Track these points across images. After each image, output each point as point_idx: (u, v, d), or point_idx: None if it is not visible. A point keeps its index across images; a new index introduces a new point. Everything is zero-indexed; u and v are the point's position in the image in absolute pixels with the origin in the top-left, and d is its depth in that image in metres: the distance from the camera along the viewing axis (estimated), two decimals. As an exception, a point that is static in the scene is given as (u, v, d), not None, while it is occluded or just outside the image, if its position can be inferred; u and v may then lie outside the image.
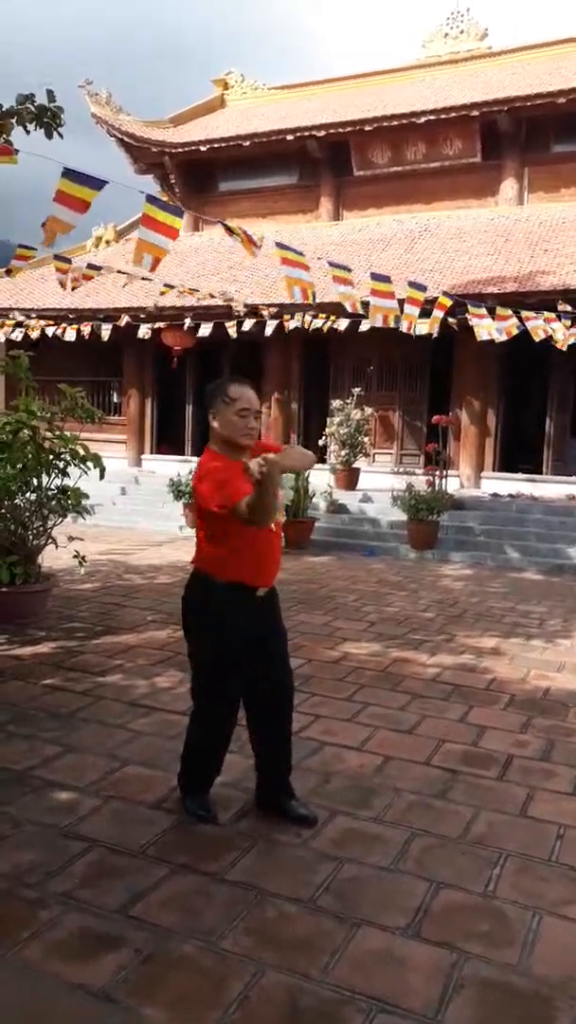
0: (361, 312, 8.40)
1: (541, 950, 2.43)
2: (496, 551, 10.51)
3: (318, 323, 12.06)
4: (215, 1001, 2.15)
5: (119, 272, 10.81)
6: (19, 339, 13.44)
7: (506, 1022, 2.13)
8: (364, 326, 11.70)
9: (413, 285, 8.47)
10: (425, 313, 9.65)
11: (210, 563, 2.99)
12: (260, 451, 3.10)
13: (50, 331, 13.95)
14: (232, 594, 2.95)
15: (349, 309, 7.77)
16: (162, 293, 11.12)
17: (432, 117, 14.22)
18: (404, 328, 8.68)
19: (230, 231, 6.25)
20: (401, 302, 8.60)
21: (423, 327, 10.55)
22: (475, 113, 13.97)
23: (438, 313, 8.99)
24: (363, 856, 2.91)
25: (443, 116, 14.18)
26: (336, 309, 12.46)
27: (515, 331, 9.59)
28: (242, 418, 2.92)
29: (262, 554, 2.97)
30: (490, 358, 13.08)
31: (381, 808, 3.30)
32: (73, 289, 9.88)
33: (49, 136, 5.11)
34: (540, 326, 9.58)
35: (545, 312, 9.84)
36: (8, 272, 7.94)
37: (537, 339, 9.89)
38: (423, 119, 14.28)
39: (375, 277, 7.91)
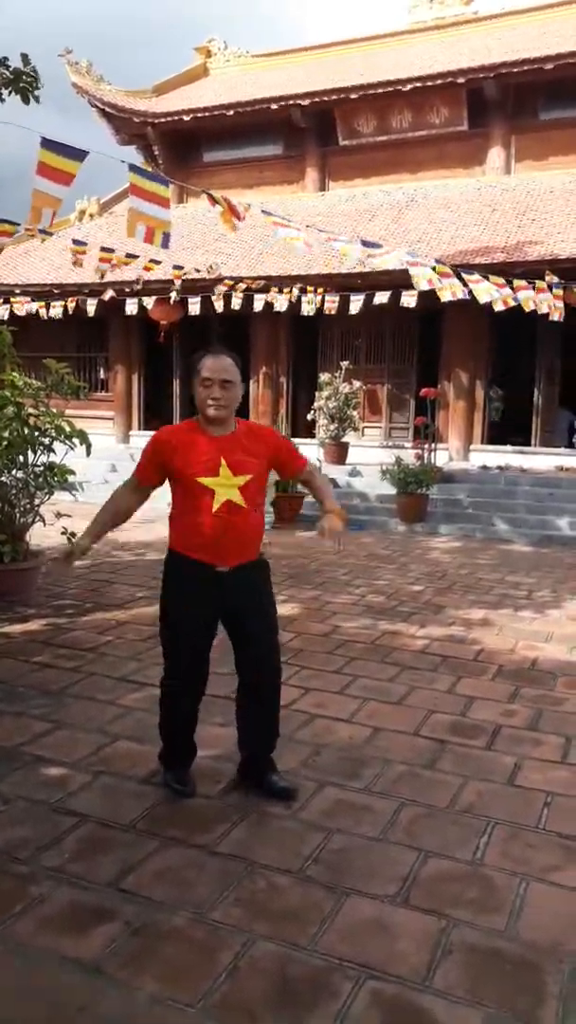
0: (363, 263, 8.30)
1: (529, 915, 2.46)
2: (485, 523, 10.53)
3: (309, 307, 11.93)
4: (205, 972, 2.16)
5: (103, 250, 10.69)
6: (5, 317, 13.29)
7: (494, 986, 2.16)
8: (353, 307, 11.67)
9: (407, 254, 8.43)
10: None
11: (169, 531, 3.05)
12: (247, 430, 3.04)
13: (34, 307, 13.81)
14: (177, 565, 2.99)
15: (357, 258, 7.69)
16: (146, 269, 10.99)
17: (418, 84, 14.00)
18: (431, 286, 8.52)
19: (214, 200, 6.17)
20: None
21: (410, 299, 10.53)
22: (461, 80, 13.78)
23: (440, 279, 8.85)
24: (352, 826, 2.93)
25: (429, 83, 13.97)
26: (326, 282, 12.41)
27: (511, 302, 9.55)
28: (205, 388, 2.88)
29: (204, 531, 2.89)
30: (478, 330, 13.03)
31: (370, 779, 3.32)
32: (75, 264, 9.78)
33: (26, 101, 5.00)
34: (531, 297, 9.56)
35: (537, 281, 9.80)
36: None
37: (528, 310, 9.85)
38: (408, 87, 14.06)
39: (366, 244, 7.86)
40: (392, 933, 2.35)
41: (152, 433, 3.12)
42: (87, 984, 2.12)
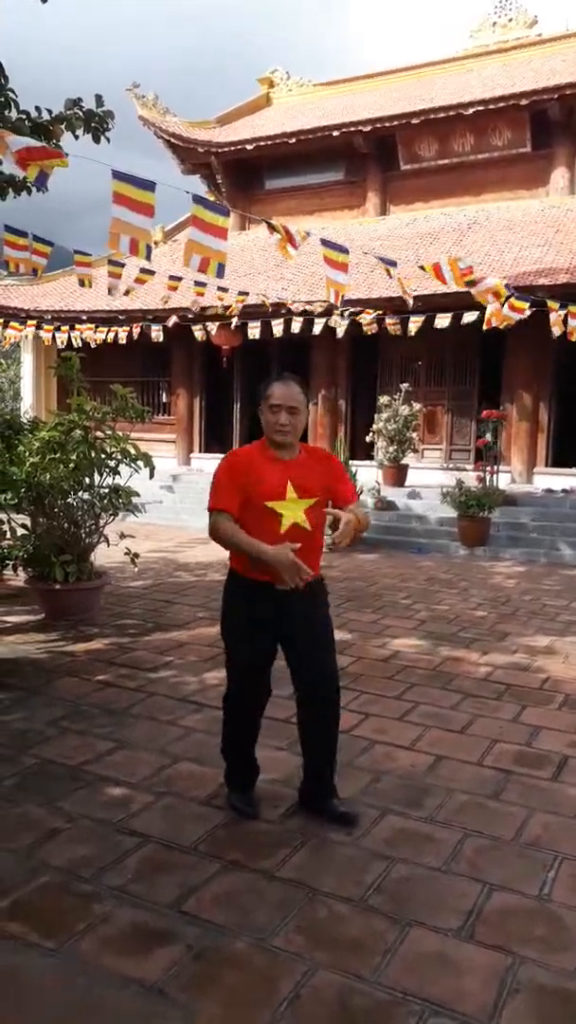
0: (410, 299, 8.38)
1: (599, 956, 2.37)
2: (549, 547, 10.31)
3: (368, 328, 12.01)
4: (266, 999, 2.15)
5: (171, 278, 10.94)
6: (78, 343, 13.69)
7: (563, 1029, 2.08)
8: (412, 329, 11.69)
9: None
10: (480, 306, 9.56)
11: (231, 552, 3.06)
12: (309, 454, 3.06)
13: (100, 336, 14.21)
14: (240, 585, 3.03)
15: (407, 293, 7.84)
16: (219, 299, 11.21)
17: (480, 108, 14.02)
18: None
19: (273, 229, 6.25)
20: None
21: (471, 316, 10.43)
22: (524, 102, 13.74)
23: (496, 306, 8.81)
24: (415, 856, 2.88)
25: (491, 106, 13.97)
26: (386, 305, 12.42)
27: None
28: (273, 414, 2.93)
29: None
30: (541, 351, 12.85)
31: (433, 808, 3.26)
32: (126, 293, 10.05)
33: (97, 140, 5.16)
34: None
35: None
36: (82, 283, 8.18)
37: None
38: (471, 110, 14.08)
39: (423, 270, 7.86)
40: (457, 968, 2.29)
41: (215, 455, 3.17)
42: (149, 1006, 2.12)
